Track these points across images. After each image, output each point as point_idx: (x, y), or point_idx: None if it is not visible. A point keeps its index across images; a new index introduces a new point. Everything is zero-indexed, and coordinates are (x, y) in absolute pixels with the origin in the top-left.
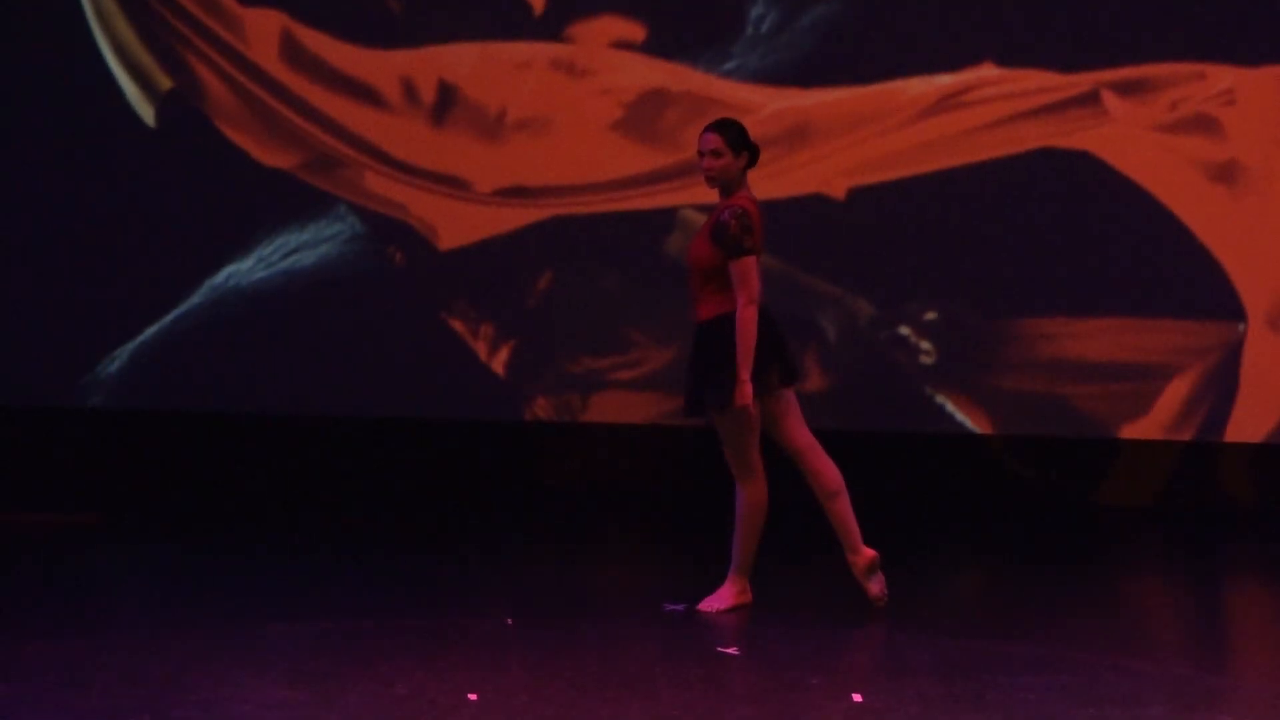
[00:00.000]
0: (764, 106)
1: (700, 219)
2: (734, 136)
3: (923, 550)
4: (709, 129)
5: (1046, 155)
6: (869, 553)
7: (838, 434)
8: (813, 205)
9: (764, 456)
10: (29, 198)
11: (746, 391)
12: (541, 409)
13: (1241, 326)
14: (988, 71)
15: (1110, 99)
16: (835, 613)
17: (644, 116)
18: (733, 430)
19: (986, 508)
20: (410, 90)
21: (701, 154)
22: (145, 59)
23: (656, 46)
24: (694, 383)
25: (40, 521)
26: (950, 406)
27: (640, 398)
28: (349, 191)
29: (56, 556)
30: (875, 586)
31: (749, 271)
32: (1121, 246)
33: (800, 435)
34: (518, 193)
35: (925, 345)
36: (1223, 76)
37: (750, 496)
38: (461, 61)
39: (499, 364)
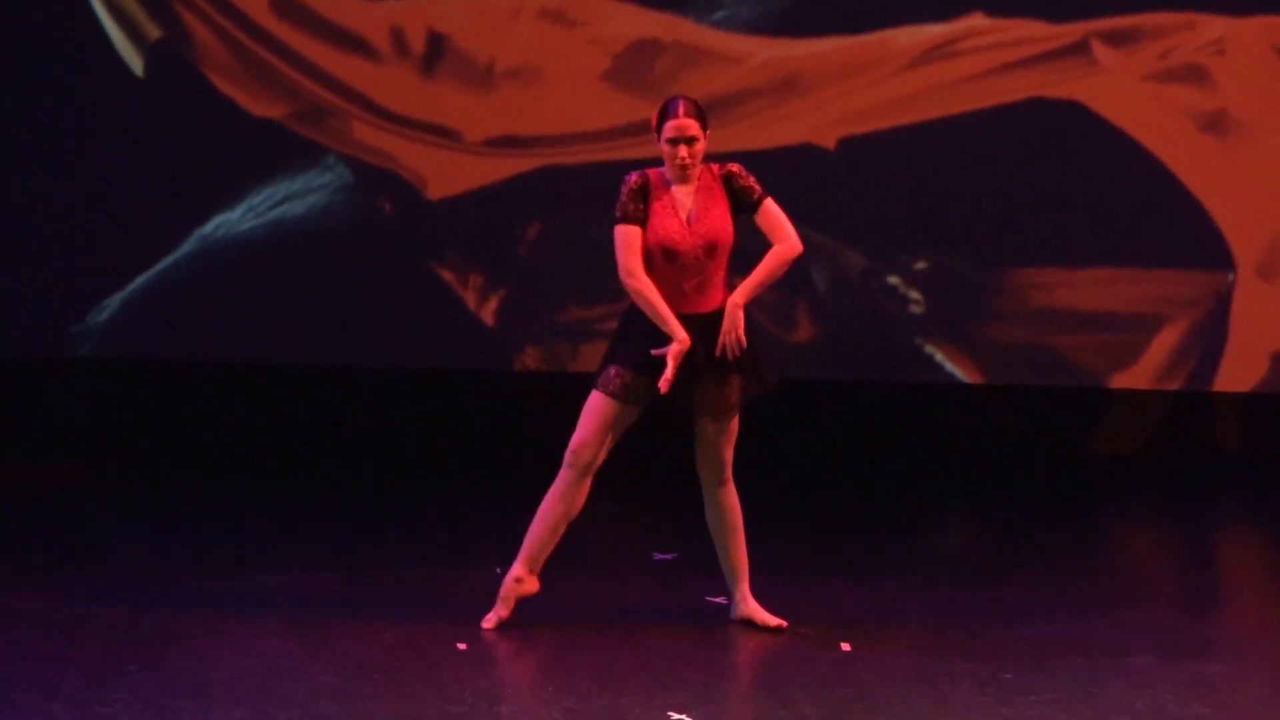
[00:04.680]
0: (754, 56)
1: None
2: (704, 116)
3: (912, 500)
4: (689, 114)
5: (1036, 105)
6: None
7: (828, 384)
8: (802, 155)
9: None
10: (17, 147)
11: None
12: (531, 359)
13: (1231, 276)
14: (978, 21)
15: (1100, 49)
16: (826, 563)
17: (634, 66)
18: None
19: (977, 457)
20: (400, 40)
21: (689, 140)
22: (133, 8)
23: None
24: (731, 375)
25: (30, 472)
26: (940, 356)
27: None
28: (338, 141)
29: (46, 507)
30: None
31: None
32: (1111, 196)
33: None
34: (507, 142)
35: (915, 295)
36: (1212, 26)
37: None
38: (451, 11)
39: (488, 314)
